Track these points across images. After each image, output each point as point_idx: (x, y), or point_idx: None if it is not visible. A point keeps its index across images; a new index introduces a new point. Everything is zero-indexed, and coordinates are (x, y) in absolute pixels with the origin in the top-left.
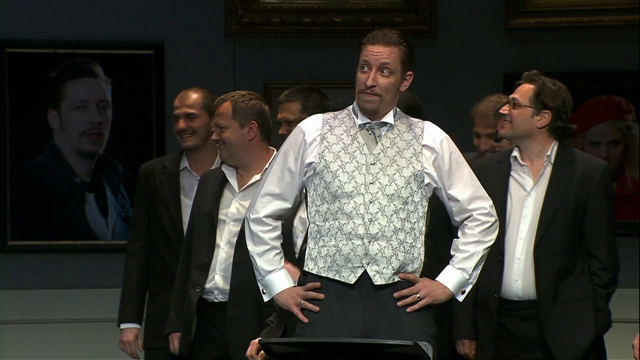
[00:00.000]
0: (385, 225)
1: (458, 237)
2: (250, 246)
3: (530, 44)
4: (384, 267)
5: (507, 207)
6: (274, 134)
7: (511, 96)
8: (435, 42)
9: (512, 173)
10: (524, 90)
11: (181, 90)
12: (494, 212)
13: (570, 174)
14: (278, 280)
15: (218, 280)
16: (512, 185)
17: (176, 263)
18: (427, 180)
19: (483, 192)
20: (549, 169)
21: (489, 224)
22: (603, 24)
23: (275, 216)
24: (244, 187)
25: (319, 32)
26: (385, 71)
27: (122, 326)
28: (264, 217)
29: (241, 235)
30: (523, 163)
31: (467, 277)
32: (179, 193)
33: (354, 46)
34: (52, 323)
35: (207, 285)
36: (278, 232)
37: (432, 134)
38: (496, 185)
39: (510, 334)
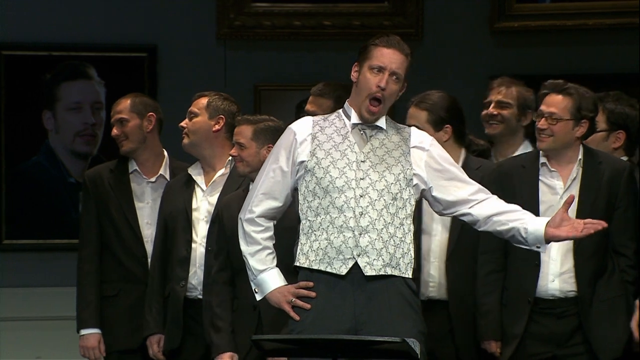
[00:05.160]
0: (376, 219)
1: (492, 214)
2: (243, 246)
3: (515, 47)
4: (374, 259)
5: (540, 212)
6: None
7: (546, 110)
8: (422, 45)
9: (541, 177)
10: (561, 103)
11: (174, 92)
12: None
13: (600, 176)
14: (270, 279)
15: (200, 275)
16: (542, 189)
17: (134, 265)
18: (415, 181)
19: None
20: (579, 173)
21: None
22: (586, 27)
23: (268, 216)
24: (210, 182)
25: (309, 35)
26: (395, 78)
27: (83, 332)
28: (256, 217)
29: (212, 227)
30: (552, 169)
31: None
32: (132, 196)
33: (343, 49)
34: (47, 320)
35: (190, 282)
36: (270, 233)
37: (420, 136)
38: (525, 189)
39: (543, 331)
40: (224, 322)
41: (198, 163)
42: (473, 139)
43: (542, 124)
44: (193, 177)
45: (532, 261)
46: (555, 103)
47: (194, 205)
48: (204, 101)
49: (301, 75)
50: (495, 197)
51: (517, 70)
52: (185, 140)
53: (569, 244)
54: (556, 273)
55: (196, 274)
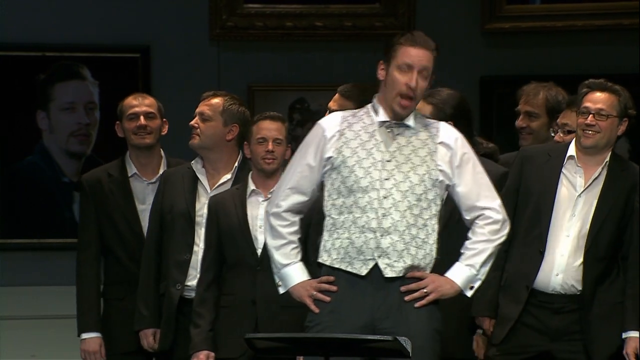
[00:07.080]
0: (398, 220)
1: (469, 238)
2: (268, 240)
3: (506, 48)
4: (395, 261)
5: (555, 203)
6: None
7: (593, 107)
8: None
9: (564, 170)
10: (607, 100)
11: (167, 92)
12: (503, 210)
13: (622, 183)
14: (293, 273)
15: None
16: (563, 182)
17: (138, 267)
18: (440, 177)
19: (493, 191)
20: (603, 175)
21: (500, 223)
22: (576, 28)
23: (295, 210)
24: (215, 186)
25: (301, 36)
26: (423, 74)
27: (84, 336)
28: (283, 211)
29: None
30: (579, 165)
31: (475, 272)
32: (134, 199)
33: (335, 49)
34: (41, 319)
35: (188, 284)
36: (296, 227)
37: (448, 132)
38: (544, 177)
39: (537, 324)
40: (204, 321)
41: (200, 160)
42: (481, 140)
43: (590, 120)
44: (197, 175)
45: (536, 248)
46: (601, 100)
47: (196, 207)
48: (217, 104)
49: (294, 76)
50: (483, 222)
51: (508, 71)
52: (195, 141)
53: (579, 241)
54: (562, 268)
55: (195, 277)
